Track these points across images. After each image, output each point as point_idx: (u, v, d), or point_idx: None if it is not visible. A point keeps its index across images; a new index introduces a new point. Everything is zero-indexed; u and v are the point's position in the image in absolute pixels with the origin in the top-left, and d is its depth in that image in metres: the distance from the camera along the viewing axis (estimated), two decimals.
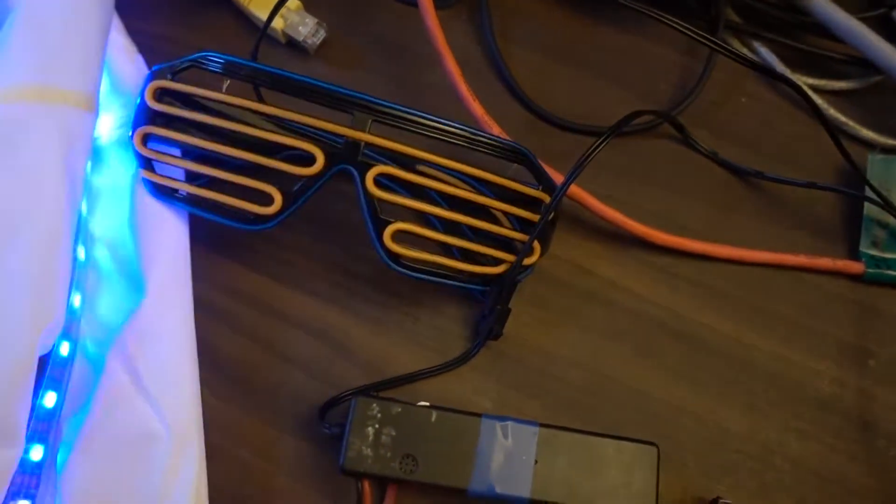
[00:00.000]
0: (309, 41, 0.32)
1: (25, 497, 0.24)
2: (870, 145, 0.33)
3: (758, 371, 0.29)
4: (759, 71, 0.29)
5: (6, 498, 0.23)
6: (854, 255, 0.31)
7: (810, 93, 0.33)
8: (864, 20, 0.33)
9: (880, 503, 0.27)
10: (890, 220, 0.31)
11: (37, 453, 0.24)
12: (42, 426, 0.25)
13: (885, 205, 0.30)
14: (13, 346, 0.23)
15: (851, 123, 0.33)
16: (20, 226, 0.23)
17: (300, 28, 0.31)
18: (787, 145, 0.33)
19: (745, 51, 0.35)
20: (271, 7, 0.31)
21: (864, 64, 0.33)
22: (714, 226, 0.31)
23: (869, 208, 0.31)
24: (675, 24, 0.28)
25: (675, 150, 0.33)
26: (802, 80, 0.34)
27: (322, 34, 0.32)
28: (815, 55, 0.34)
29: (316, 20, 0.32)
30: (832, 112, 0.33)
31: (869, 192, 0.31)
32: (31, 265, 0.23)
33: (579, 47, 0.34)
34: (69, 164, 0.24)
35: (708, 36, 0.28)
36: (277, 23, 0.32)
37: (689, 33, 0.28)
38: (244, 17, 0.33)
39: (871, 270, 0.30)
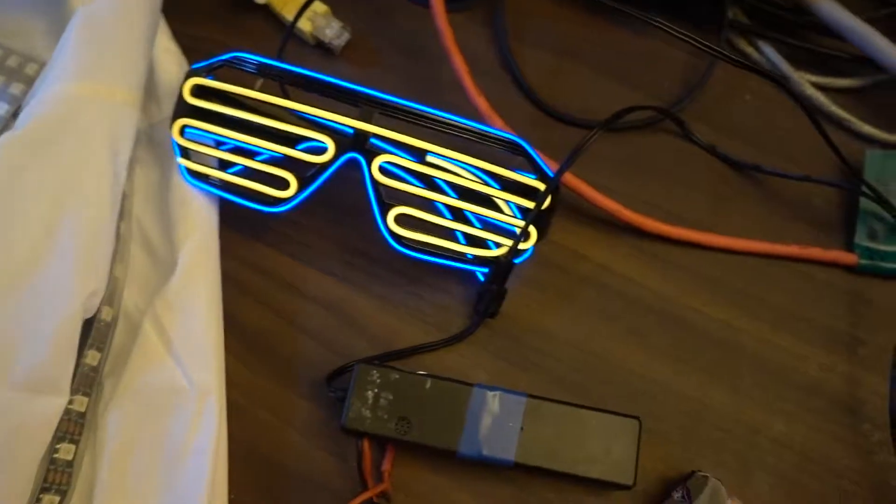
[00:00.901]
0: (334, 43, 0.35)
1: (70, 441, 0.27)
2: (871, 141, 0.34)
3: (745, 354, 0.30)
4: (754, 71, 0.30)
5: (54, 441, 0.26)
6: (849, 246, 0.32)
7: (810, 91, 0.34)
8: (870, 21, 0.34)
9: (863, 485, 0.28)
10: (885, 214, 0.31)
11: (80, 404, 0.28)
12: (86, 381, 0.28)
13: (878, 199, 0.31)
14: (61, 310, 0.26)
15: (854, 120, 0.34)
16: (70, 203, 0.27)
17: (326, 31, 0.34)
18: (786, 141, 0.34)
19: (750, 50, 0.36)
20: (306, 13, 0.34)
21: (867, 63, 0.34)
22: (711, 216, 0.33)
23: (865, 202, 0.32)
24: (674, 32, 0.30)
25: (675, 144, 0.34)
26: (806, 78, 0.35)
27: (347, 36, 0.35)
28: (819, 53, 0.35)
29: (341, 24, 0.35)
30: (834, 109, 0.34)
31: (865, 187, 0.32)
32: (77, 239, 0.27)
33: (588, 48, 0.36)
34: (114, 151, 0.28)
35: (705, 42, 0.30)
36: (306, 26, 0.35)
37: (689, 40, 0.30)
38: (277, 21, 0.36)
39: (863, 262, 0.31)
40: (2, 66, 0.33)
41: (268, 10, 0.36)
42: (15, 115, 0.32)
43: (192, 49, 0.34)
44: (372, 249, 0.32)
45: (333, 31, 0.34)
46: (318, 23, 0.35)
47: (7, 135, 0.27)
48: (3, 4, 0.33)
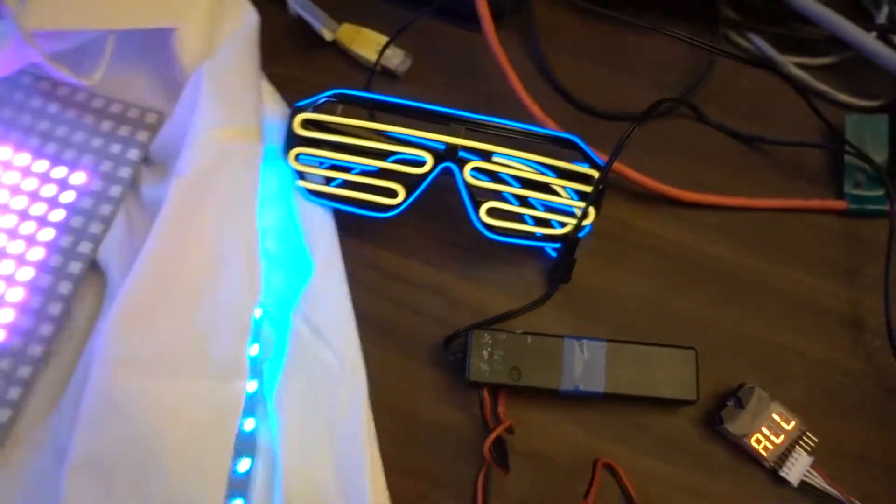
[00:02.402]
0: (399, 69, 0.41)
1: (251, 416, 0.34)
2: (849, 107, 0.41)
3: (769, 290, 0.38)
4: (747, 61, 0.38)
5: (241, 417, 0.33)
6: (840, 196, 0.40)
7: (795, 71, 0.41)
8: (834, 7, 0.41)
9: (867, 380, 0.36)
10: (866, 166, 0.39)
11: (252, 386, 0.34)
12: (253, 368, 0.34)
13: (859, 155, 0.39)
14: (236, 312, 0.33)
15: (832, 91, 0.41)
16: (230, 227, 0.33)
17: (393, 59, 0.41)
18: (781, 114, 0.41)
19: (742, 41, 0.43)
20: (369, 46, 0.41)
21: (838, 42, 0.41)
22: (728, 183, 0.40)
23: (849, 158, 0.40)
24: (676, 35, 0.37)
25: (691, 126, 0.41)
26: (791, 60, 0.42)
27: (409, 62, 0.41)
28: (798, 38, 0.42)
29: (403, 51, 0.41)
30: (816, 84, 0.42)
31: (848, 146, 0.39)
32: (241, 255, 0.33)
33: (609, 51, 0.43)
34: (255, 180, 0.34)
35: (702, 41, 0.37)
36: (373, 56, 0.41)
37: (689, 41, 0.37)
38: (345, 54, 0.42)
39: (852, 206, 0.39)
40: (125, 117, 0.39)
41: (336, 46, 0.42)
42: (145, 159, 0.39)
43: (279, 87, 0.40)
44: (460, 240, 0.38)
45: (398, 60, 0.41)
46: (385, 53, 0.41)
47: (178, 179, 0.33)
48: (117, 64, 0.39)
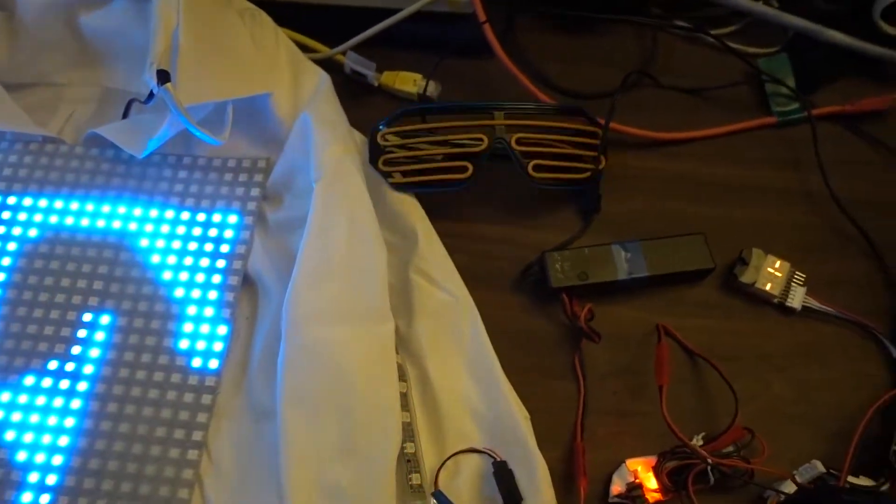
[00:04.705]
0: (434, 95, 0.55)
1: (396, 352, 0.44)
2: (756, 56, 0.57)
3: (741, 186, 0.52)
4: (680, 34, 0.53)
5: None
6: (770, 114, 0.54)
7: (712, 39, 0.57)
8: None
9: (825, 229, 0.50)
10: (782, 89, 0.54)
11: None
12: None
13: (776, 81, 0.54)
14: (375, 273, 0.44)
15: (743, 47, 0.57)
16: (357, 212, 0.45)
17: (428, 89, 0.54)
18: (713, 70, 0.56)
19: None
20: (409, 82, 0.54)
21: (737, 14, 0.57)
22: (688, 124, 0.54)
23: (769, 86, 0.55)
24: (627, 20, 0.52)
25: (651, 91, 0.56)
26: (712, 32, 0.58)
27: (439, 89, 0.55)
28: (710, 17, 0.58)
29: (434, 82, 0.55)
30: (731, 44, 0.57)
31: (765, 76, 0.55)
32: (368, 229, 0.45)
33: (579, 51, 0.58)
34: (364, 178, 0.47)
35: (650, 20, 0.52)
36: (412, 89, 0.54)
37: (643, 22, 0.52)
38: (390, 94, 0.55)
39: (781, 119, 0.54)
40: (241, 167, 0.51)
41: (381, 89, 0.55)
42: (264, 196, 0.50)
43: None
44: (512, 198, 0.51)
45: (433, 88, 0.54)
46: (420, 85, 0.54)
47: (317, 184, 0.45)
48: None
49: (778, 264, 0.47)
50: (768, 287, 0.47)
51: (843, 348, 0.46)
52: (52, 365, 0.45)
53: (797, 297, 0.47)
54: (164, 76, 0.45)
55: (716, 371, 0.44)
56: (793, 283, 0.47)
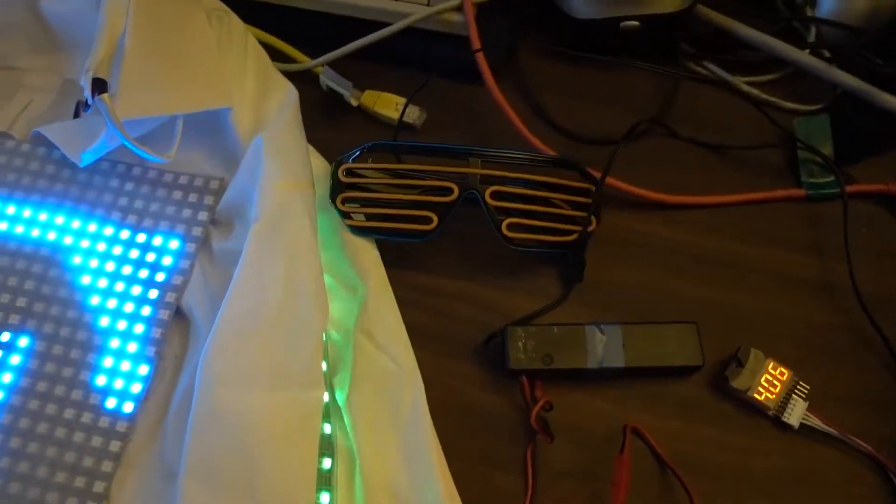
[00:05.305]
0: (417, 123, 0.49)
1: (327, 421, 0.40)
2: (795, 112, 0.49)
3: (752, 268, 0.45)
4: (706, 81, 0.46)
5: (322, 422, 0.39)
6: (799, 185, 0.47)
7: (746, 88, 0.49)
8: (770, 33, 0.49)
9: (844, 333, 0.43)
10: (817, 158, 0.47)
11: (326, 396, 0.40)
12: (325, 380, 0.41)
13: (810, 149, 0.46)
14: (311, 332, 0.39)
15: (779, 101, 0.49)
16: (299, 262, 0.40)
17: (411, 115, 0.48)
18: (739, 124, 0.49)
19: (699, 68, 0.51)
20: (389, 106, 0.48)
21: (777, 61, 0.50)
22: (703, 185, 0.47)
23: (802, 153, 0.47)
24: (646, 68, 0.45)
25: (666, 142, 0.49)
26: (741, 80, 0.50)
27: (424, 116, 0.49)
28: (746, 62, 0.51)
29: (418, 108, 0.49)
30: (765, 96, 0.49)
31: (799, 143, 0.47)
32: (309, 286, 0.39)
33: (588, 87, 0.51)
34: (313, 220, 0.41)
35: (668, 69, 0.45)
36: (393, 114, 0.49)
37: (657, 70, 0.45)
38: (369, 116, 0.50)
39: (811, 192, 0.46)
40: (192, 186, 0.46)
41: (360, 110, 0.50)
42: (212, 220, 0.45)
43: (318, 148, 0.47)
44: (485, 255, 0.45)
45: (416, 115, 0.49)
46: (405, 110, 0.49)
47: (254, 225, 0.40)
48: (181, 143, 0.46)
49: (779, 371, 0.41)
50: (763, 397, 0.40)
51: (842, 480, 0.40)
52: None
53: (796, 413, 0.40)
54: (100, 85, 0.40)
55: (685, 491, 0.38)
56: (794, 395, 0.40)
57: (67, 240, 0.45)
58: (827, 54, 0.50)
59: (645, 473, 0.40)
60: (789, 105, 0.49)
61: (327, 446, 0.39)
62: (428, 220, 0.42)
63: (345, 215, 0.44)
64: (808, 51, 0.49)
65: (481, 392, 0.42)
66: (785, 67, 0.50)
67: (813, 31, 0.50)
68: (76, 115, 0.47)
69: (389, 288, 0.43)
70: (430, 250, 0.45)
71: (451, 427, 0.40)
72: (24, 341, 0.42)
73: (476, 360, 0.43)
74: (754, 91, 0.50)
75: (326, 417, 0.40)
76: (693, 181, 0.47)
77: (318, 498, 0.38)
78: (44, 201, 0.46)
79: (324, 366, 0.41)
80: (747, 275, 0.45)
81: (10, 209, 0.46)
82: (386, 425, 0.40)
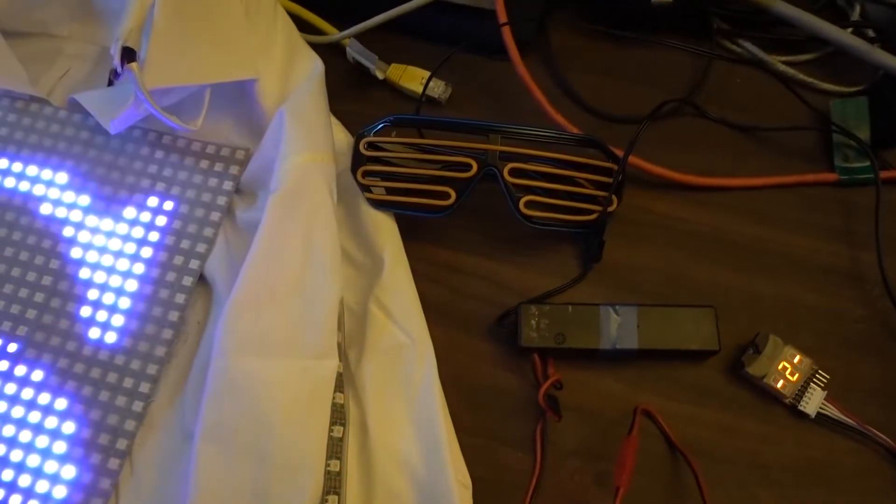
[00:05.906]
0: (442, 97, 0.49)
1: (339, 391, 0.40)
2: (831, 94, 0.47)
3: (775, 254, 0.44)
4: (740, 61, 0.44)
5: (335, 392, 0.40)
6: (832, 169, 0.45)
7: (782, 67, 0.48)
8: (811, 11, 0.48)
9: (869, 323, 0.41)
10: (852, 142, 0.45)
11: (340, 367, 0.41)
12: (339, 351, 0.41)
13: (845, 132, 0.45)
14: (326, 303, 0.39)
15: (816, 81, 0.48)
16: (316, 233, 0.40)
17: (435, 90, 0.48)
18: (772, 105, 0.47)
19: (733, 46, 0.50)
20: (414, 80, 0.48)
21: (816, 40, 0.48)
22: (731, 168, 0.46)
23: (837, 136, 0.46)
24: (678, 46, 0.43)
25: (695, 122, 0.48)
26: (777, 59, 0.49)
27: (449, 91, 0.49)
28: (782, 40, 0.49)
29: (444, 82, 0.49)
30: (801, 76, 0.48)
31: (835, 126, 0.45)
32: (325, 255, 0.40)
33: (618, 65, 0.50)
34: (331, 193, 0.42)
35: (700, 48, 0.44)
36: (418, 88, 0.49)
37: (688, 49, 0.44)
38: (395, 89, 0.50)
39: (844, 177, 0.45)
40: (219, 155, 0.47)
41: (387, 84, 0.50)
42: (237, 190, 0.46)
43: (342, 120, 0.48)
44: (504, 232, 0.45)
45: (440, 90, 0.48)
46: (429, 84, 0.48)
47: (273, 195, 0.40)
48: (209, 113, 0.46)
49: (797, 359, 0.40)
50: (780, 385, 0.40)
51: (858, 472, 0.39)
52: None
53: (813, 402, 0.39)
54: (129, 54, 0.41)
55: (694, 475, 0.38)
56: (812, 384, 0.40)
57: (99, 205, 0.46)
58: (871, 34, 0.48)
59: (654, 457, 0.40)
60: (826, 86, 0.47)
61: (340, 416, 0.40)
62: (446, 196, 0.42)
63: (365, 188, 0.44)
64: (850, 30, 0.47)
65: (494, 369, 0.42)
66: (824, 47, 0.48)
67: (857, 8, 0.48)
68: (110, 84, 0.48)
69: (406, 262, 0.43)
70: (449, 226, 0.45)
71: (462, 402, 0.41)
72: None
73: (490, 337, 0.43)
74: (790, 70, 0.48)
75: (340, 387, 0.41)
76: (720, 163, 0.46)
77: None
78: (77, 167, 0.47)
79: (339, 336, 0.42)
80: (771, 260, 0.44)
81: (47, 173, 0.47)
82: (397, 397, 0.40)
